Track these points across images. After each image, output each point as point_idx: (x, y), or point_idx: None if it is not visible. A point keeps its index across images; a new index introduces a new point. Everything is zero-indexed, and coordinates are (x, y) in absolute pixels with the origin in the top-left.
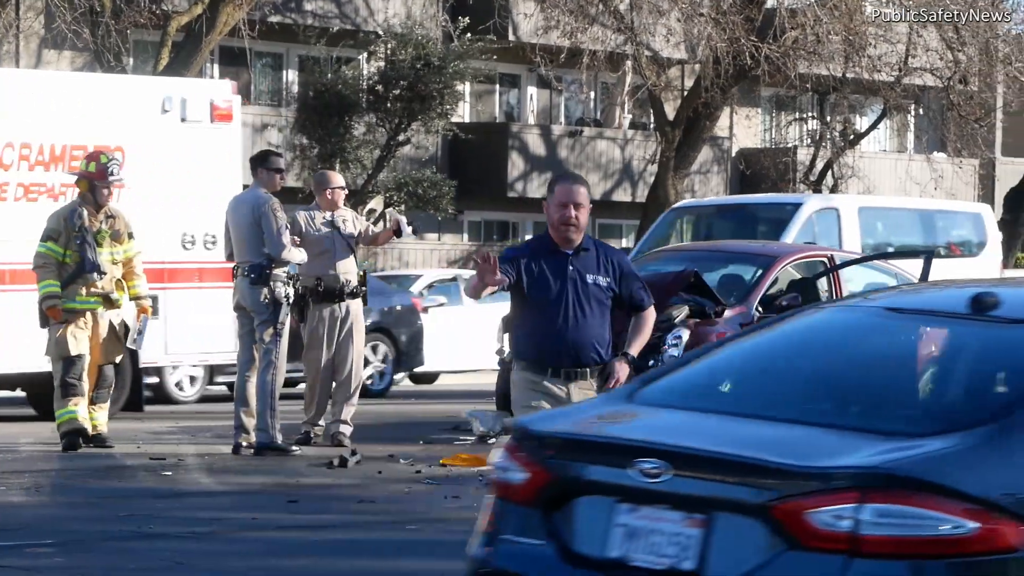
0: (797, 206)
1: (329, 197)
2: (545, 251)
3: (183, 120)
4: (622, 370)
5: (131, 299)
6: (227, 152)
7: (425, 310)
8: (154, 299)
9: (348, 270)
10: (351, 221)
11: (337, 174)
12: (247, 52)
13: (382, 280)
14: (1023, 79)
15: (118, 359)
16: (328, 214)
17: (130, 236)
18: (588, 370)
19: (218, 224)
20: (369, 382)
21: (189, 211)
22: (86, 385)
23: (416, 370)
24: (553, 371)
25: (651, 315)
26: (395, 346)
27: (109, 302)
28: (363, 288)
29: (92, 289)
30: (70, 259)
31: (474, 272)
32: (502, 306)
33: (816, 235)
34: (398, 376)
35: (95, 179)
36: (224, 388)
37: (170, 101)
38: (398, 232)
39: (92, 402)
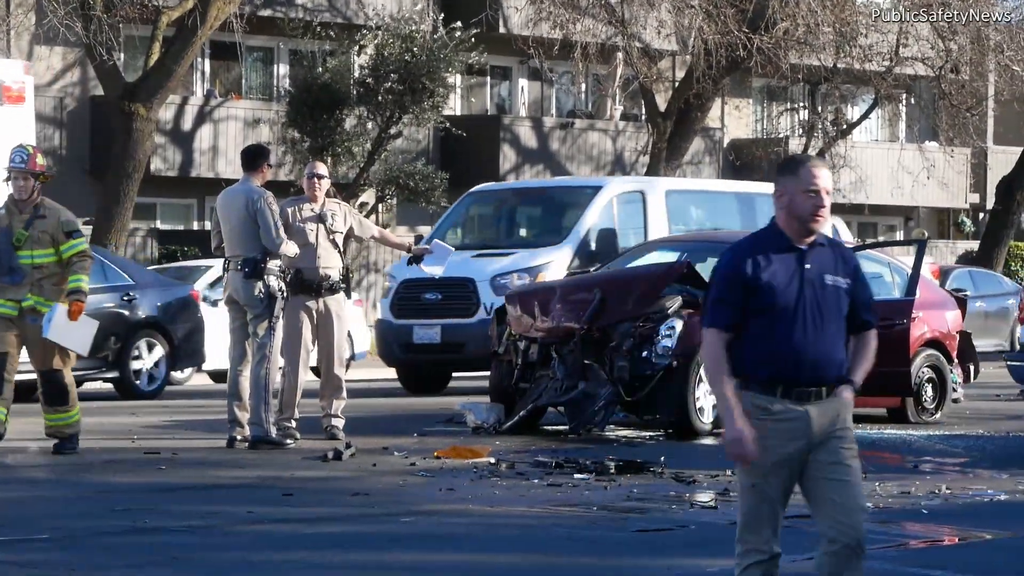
0: (597, 189)
1: (306, 185)
2: (774, 247)
3: None
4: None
5: (67, 293)
6: (20, 135)
7: (215, 304)
8: None
9: (330, 265)
10: (342, 216)
11: (320, 163)
12: (238, 47)
13: (158, 272)
14: (1015, 68)
15: (58, 365)
16: (316, 207)
17: (69, 235)
18: (825, 388)
19: None
20: (138, 381)
21: None
22: (10, 388)
23: (205, 367)
24: (784, 391)
25: (875, 338)
26: (170, 343)
27: (23, 310)
28: (343, 284)
29: (8, 294)
30: None
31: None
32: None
33: (617, 220)
34: (184, 375)
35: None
36: None
37: None
38: (417, 259)
39: (47, 404)
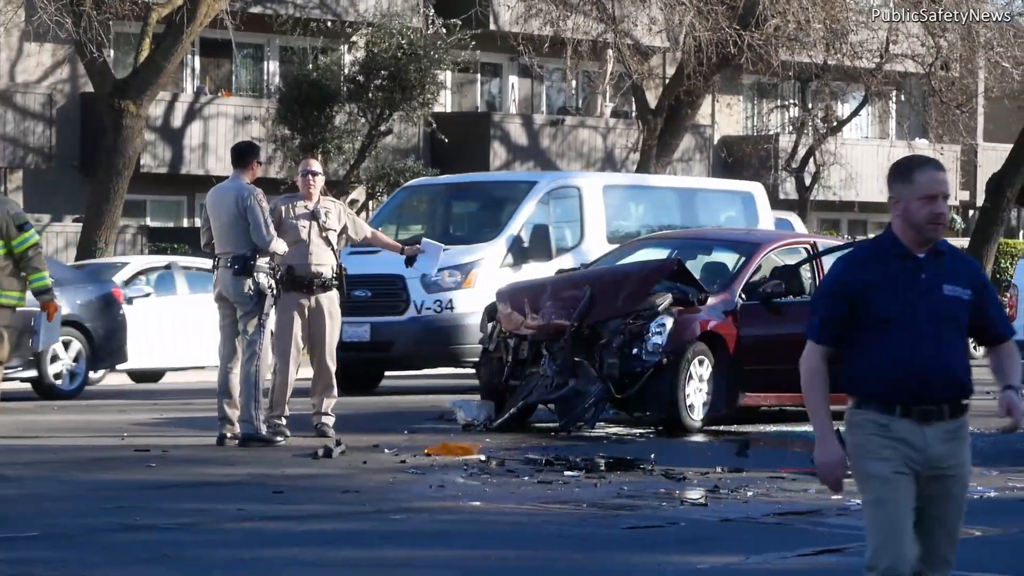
0: (532, 184)
1: (300, 182)
2: (889, 255)
3: None
4: (1022, 403)
5: (34, 295)
6: None
7: (130, 301)
8: None
9: (323, 262)
10: (335, 214)
11: (314, 161)
12: (229, 43)
13: (77, 269)
14: (1004, 64)
15: None
16: (310, 204)
17: (20, 228)
18: (948, 407)
19: None
20: (59, 382)
21: None
22: None
23: (123, 367)
24: (903, 410)
25: (1016, 348)
26: (90, 341)
27: None
28: (336, 282)
29: None
30: None
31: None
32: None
33: (552, 216)
34: (96, 375)
35: None
36: None
37: None
38: (411, 260)
39: None
